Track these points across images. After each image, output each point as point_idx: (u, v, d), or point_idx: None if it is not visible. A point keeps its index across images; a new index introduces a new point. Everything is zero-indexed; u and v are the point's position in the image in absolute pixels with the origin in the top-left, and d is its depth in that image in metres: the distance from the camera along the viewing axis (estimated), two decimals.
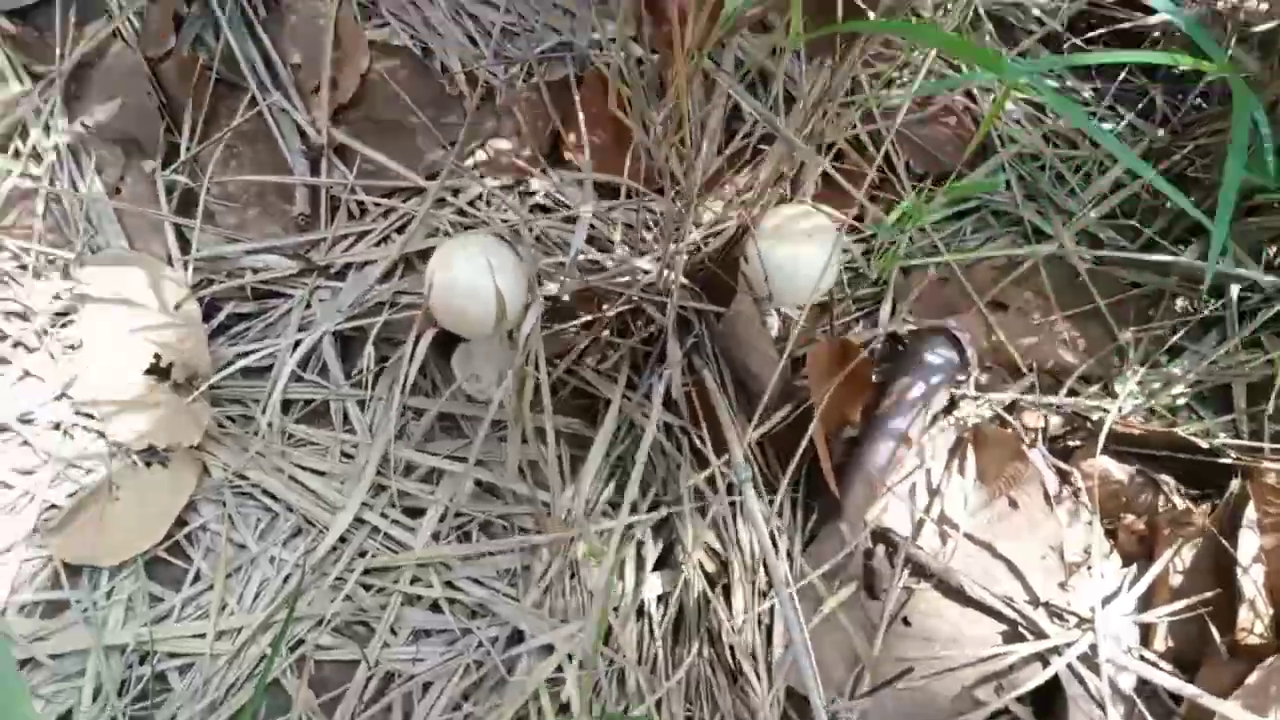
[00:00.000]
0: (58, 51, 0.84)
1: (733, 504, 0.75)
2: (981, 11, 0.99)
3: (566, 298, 0.79)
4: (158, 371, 0.75)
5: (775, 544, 0.73)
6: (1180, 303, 0.96)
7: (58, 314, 0.78)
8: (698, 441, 0.77)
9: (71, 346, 0.76)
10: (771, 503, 0.75)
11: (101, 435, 0.75)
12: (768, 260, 0.70)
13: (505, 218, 0.81)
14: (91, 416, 0.75)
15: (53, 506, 0.74)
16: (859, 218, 0.89)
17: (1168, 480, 0.83)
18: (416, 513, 0.77)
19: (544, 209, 0.87)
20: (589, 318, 0.78)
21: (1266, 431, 0.88)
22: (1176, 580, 0.78)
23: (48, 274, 0.79)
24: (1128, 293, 0.94)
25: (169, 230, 0.81)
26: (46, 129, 0.83)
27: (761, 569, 0.73)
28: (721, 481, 0.76)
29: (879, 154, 0.75)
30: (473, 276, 0.64)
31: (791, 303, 0.75)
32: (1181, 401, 0.91)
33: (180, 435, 0.74)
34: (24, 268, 0.79)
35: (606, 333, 0.80)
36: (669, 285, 0.73)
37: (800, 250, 0.70)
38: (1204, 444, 0.81)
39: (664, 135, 0.66)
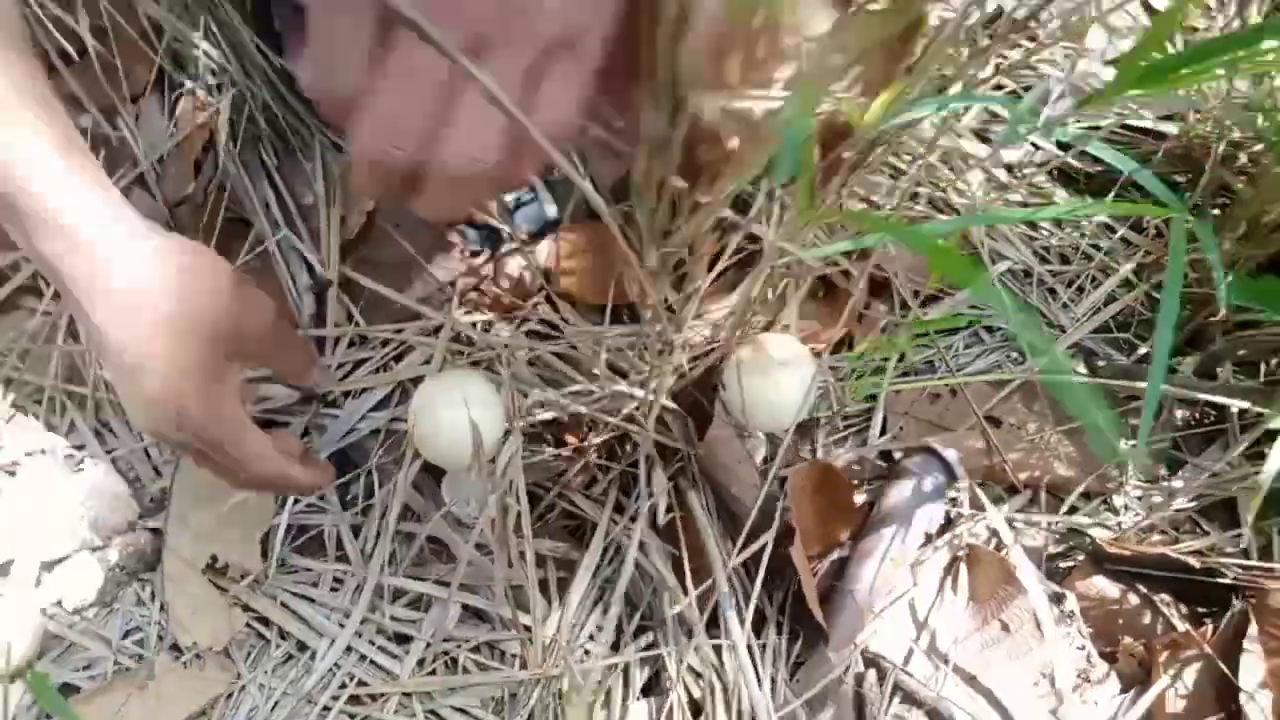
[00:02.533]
0: None
1: (715, 630, 0.75)
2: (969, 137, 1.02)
3: (553, 420, 0.81)
4: (212, 569, 0.77)
5: (758, 671, 0.73)
6: (1180, 414, 0.95)
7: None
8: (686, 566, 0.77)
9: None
10: (758, 628, 0.75)
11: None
12: (745, 389, 0.72)
13: (493, 343, 0.84)
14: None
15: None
16: (847, 338, 0.91)
17: (1166, 599, 0.82)
18: (404, 639, 0.78)
19: (539, 335, 0.89)
20: (576, 443, 0.80)
21: (1275, 547, 0.86)
22: (1178, 705, 0.76)
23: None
24: (1126, 405, 0.93)
25: None
26: None
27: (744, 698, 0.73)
28: (709, 604, 0.76)
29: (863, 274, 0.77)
30: (450, 414, 0.66)
31: (769, 429, 0.77)
32: (1185, 516, 0.89)
33: (213, 637, 0.76)
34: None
35: (595, 457, 0.82)
36: (650, 412, 0.75)
37: (774, 379, 0.71)
38: (1196, 564, 0.79)
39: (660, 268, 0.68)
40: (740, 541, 0.72)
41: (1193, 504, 0.89)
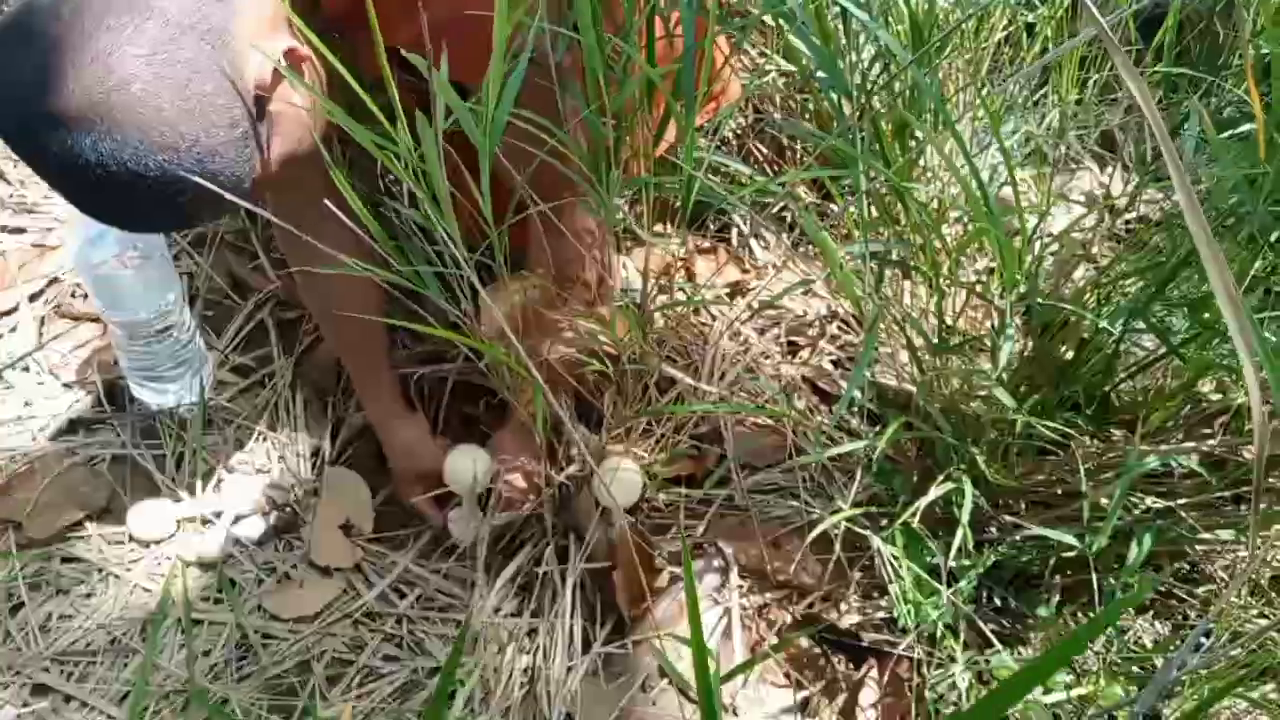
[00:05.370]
0: None
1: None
2: None
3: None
4: (343, 527, 1.49)
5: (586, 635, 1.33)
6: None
7: None
8: None
9: None
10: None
11: None
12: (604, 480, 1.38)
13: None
14: None
15: None
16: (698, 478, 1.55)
17: (840, 656, 1.38)
18: (409, 589, 1.43)
19: None
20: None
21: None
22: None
23: None
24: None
25: None
26: None
27: None
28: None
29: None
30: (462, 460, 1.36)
31: (618, 505, 1.41)
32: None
33: (341, 561, 1.44)
34: None
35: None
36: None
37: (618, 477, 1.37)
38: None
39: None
40: (583, 556, 1.36)
41: (887, 613, 1.45)
